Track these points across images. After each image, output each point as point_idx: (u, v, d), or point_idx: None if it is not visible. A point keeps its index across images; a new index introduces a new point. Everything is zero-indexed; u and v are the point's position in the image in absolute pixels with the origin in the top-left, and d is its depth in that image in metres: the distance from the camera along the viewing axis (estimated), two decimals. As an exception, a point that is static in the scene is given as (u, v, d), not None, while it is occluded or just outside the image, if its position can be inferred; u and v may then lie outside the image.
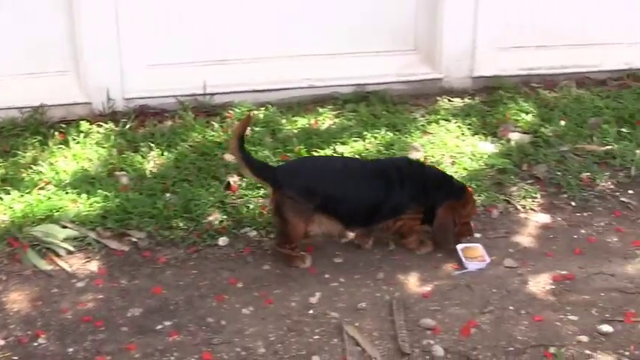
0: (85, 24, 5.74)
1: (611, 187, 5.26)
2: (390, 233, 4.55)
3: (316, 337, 3.87)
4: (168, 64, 6.06)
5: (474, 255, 4.49)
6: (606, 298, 4.19)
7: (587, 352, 3.78)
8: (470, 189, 4.72)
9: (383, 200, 4.39)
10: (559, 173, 5.35)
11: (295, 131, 5.73)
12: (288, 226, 4.34)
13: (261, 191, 4.93)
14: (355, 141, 5.59)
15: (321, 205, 4.32)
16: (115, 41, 5.82)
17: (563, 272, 4.39)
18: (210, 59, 6.14)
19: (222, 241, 4.62)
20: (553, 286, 4.27)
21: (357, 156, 5.37)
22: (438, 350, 3.78)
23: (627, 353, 3.78)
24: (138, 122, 5.81)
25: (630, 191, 5.24)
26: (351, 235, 4.63)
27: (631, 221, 4.93)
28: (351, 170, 4.51)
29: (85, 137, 5.60)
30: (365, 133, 5.70)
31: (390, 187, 4.39)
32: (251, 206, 4.84)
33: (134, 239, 4.60)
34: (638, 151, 5.55)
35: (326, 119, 5.98)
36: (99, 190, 4.93)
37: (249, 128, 5.62)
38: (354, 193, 4.37)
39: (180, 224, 4.70)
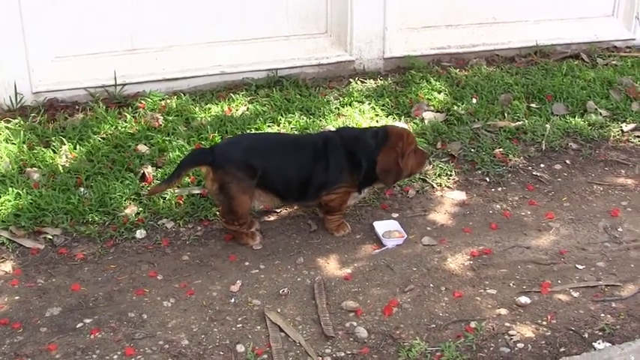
0: (-13, 17, 5.59)
1: (524, 161, 5.38)
2: (321, 207, 4.58)
3: (239, 325, 3.87)
4: (76, 56, 5.94)
5: (392, 232, 4.57)
6: (523, 270, 4.29)
7: (507, 324, 3.86)
8: (389, 126, 4.72)
9: (314, 174, 4.41)
10: (473, 150, 5.45)
11: (209, 119, 5.67)
12: (233, 203, 4.33)
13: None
14: (269, 126, 5.58)
15: (259, 179, 4.33)
16: (19, 34, 5.66)
17: (480, 247, 4.48)
18: (120, 49, 6.04)
19: (140, 233, 4.56)
20: (471, 262, 4.35)
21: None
22: (362, 331, 3.82)
23: (545, 323, 3.88)
24: (48, 116, 5.68)
25: (542, 165, 5.37)
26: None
27: (544, 194, 5.06)
28: (284, 145, 4.53)
29: (-7, 133, 5.47)
30: (279, 117, 5.70)
31: (319, 160, 4.41)
32: (167, 197, 4.78)
33: (49, 237, 4.51)
34: (548, 126, 5.69)
35: (240, 105, 5.94)
36: (10, 188, 4.80)
37: (160, 118, 5.59)
38: (287, 168, 4.40)
39: (96, 219, 4.63)
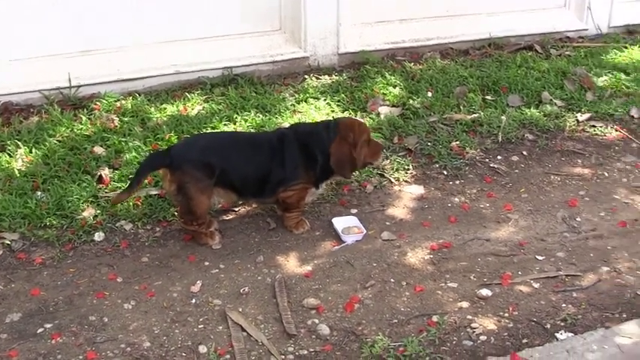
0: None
1: (481, 154, 5.42)
2: (279, 204, 4.58)
3: (201, 326, 3.85)
4: (30, 58, 5.87)
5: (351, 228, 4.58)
6: (483, 262, 4.32)
7: (469, 317, 3.89)
8: (341, 118, 4.78)
9: (270, 171, 4.41)
10: (430, 144, 5.47)
11: (165, 119, 5.63)
12: (192, 203, 4.32)
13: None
14: (225, 125, 5.55)
15: (217, 178, 4.32)
16: (-29, 38, 5.59)
17: (440, 241, 4.50)
18: (74, 51, 5.98)
19: (98, 236, 4.52)
20: (431, 256, 4.37)
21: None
22: (324, 329, 3.82)
23: (507, 315, 3.91)
24: (3, 120, 5.60)
25: (499, 157, 5.41)
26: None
27: (501, 186, 5.10)
28: (240, 143, 4.52)
29: (-55, 139, 5.37)
30: (235, 116, 5.67)
31: (275, 157, 4.41)
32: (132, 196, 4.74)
33: (7, 242, 4.45)
34: (503, 117, 5.74)
35: (195, 104, 5.91)
36: (-35, 194, 4.74)
37: (116, 119, 5.54)
38: (244, 165, 4.39)
39: (54, 222, 4.57)
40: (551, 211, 4.83)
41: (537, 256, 4.38)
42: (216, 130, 5.40)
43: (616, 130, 5.77)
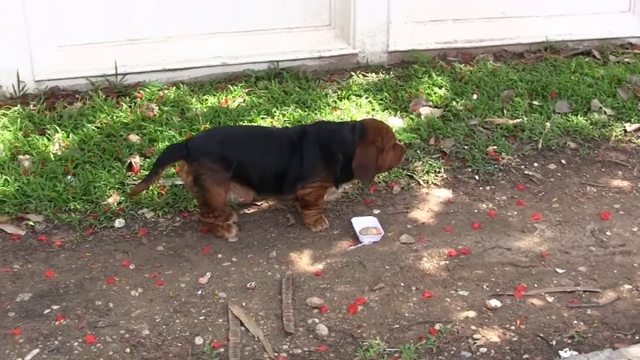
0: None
1: (517, 160, 5.27)
2: (298, 201, 4.56)
3: (202, 317, 3.86)
4: (78, 45, 5.99)
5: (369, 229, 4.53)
6: (499, 272, 4.20)
7: (473, 327, 3.78)
8: (367, 120, 4.74)
9: (288, 167, 4.39)
10: (466, 147, 5.35)
11: (204, 110, 5.67)
12: (208, 195, 4.34)
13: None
14: (263, 118, 5.56)
15: (234, 172, 4.33)
16: (22, 23, 5.72)
17: (459, 247, 4.40)
18: (121, 39, 6.07)
19: (119, 222, 4.59)
20: (447, 262, 4.28)
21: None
22: (323, 329, 3.78)
23: (513, 328, 3.79)
24: (48, 104, 5.73)
25: (535, 164, 5.25)
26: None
27: (533, 194, 4.95)
28: (259, 138, 4.53)
29: (-8, 120, 5.55)
30: (274, 110, 5.66)
31: (294, 154, 4.39)
32: (150, 187, 4.79)
33: (31, 223, 4.56)
34: (548, 124, 5.56)
35: (237, 97, 5.92)
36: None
37: (156, 108, 5.61)
38: (261, 160, 4.39)
39: (79, 207, 4.66)
40: (581, 223, 4.65)
41: (557, 269, 4.22)
42: (252, 124, 5.41)
43: (665, 143, 5.53)
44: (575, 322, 3.83)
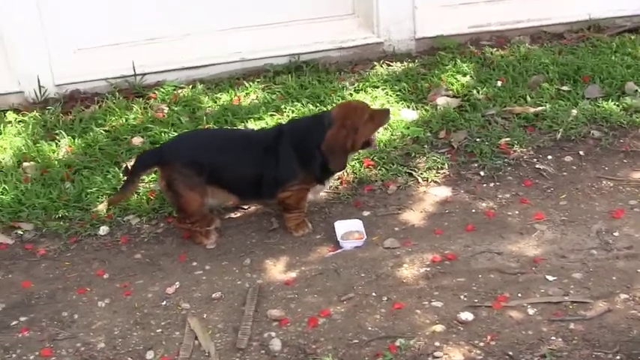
0: (6, 11, 5.68)
1: (530, 152, 4.90)
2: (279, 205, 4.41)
3: (159, 330, 3.77)
4: (96, 47, 5.99)
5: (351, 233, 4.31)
6: (483, 280, 3.91)
7: (437, 343, 3.52)
8: (338, 104, 4.53)
9: (264, 171, 4.25)
10: (478, 140, 5.02)
11: (215, 109, 5.55)
12: (182, 201, 4.27)
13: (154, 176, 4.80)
14: (272, 115, 5.39)
15: (210, 176, 4.24)
16: (39, 27, 5.75)
17: (445, 252, 4.12)
18: (139, 39, 6.03)
19: (103, 230, 4.55)
20: (428, 269, 4.01)
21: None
22: (276, 344, 3.61)
23: (482, 344, 3.51)
24: (65, 108, 5.74)
25: (549, 157, 4.86)
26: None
27: (540, 190, 4.59)
28: (233, 141, 4.41)
29: (10, 127, 5.57)
30: (283, 106, 5.48)
31: (269, 156, 4.24)
32: (140, 192, 4.73)
33: (20, 232, 4.58)
34: (574, 111, 5.14)
35: (251, 93, 5.77)
36: (2, 183, 4.91)
37: (166, 108, 5.54)
38: (235, 164, 4.28)
39: (69, 214, 4.65)
40: (588, 222, 4.26)
41: (548, 276, 3.87)
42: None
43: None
44: (554, 337, 3.51)
